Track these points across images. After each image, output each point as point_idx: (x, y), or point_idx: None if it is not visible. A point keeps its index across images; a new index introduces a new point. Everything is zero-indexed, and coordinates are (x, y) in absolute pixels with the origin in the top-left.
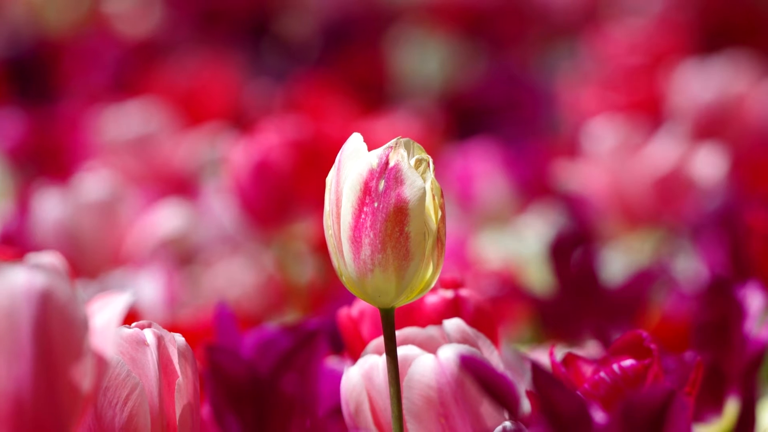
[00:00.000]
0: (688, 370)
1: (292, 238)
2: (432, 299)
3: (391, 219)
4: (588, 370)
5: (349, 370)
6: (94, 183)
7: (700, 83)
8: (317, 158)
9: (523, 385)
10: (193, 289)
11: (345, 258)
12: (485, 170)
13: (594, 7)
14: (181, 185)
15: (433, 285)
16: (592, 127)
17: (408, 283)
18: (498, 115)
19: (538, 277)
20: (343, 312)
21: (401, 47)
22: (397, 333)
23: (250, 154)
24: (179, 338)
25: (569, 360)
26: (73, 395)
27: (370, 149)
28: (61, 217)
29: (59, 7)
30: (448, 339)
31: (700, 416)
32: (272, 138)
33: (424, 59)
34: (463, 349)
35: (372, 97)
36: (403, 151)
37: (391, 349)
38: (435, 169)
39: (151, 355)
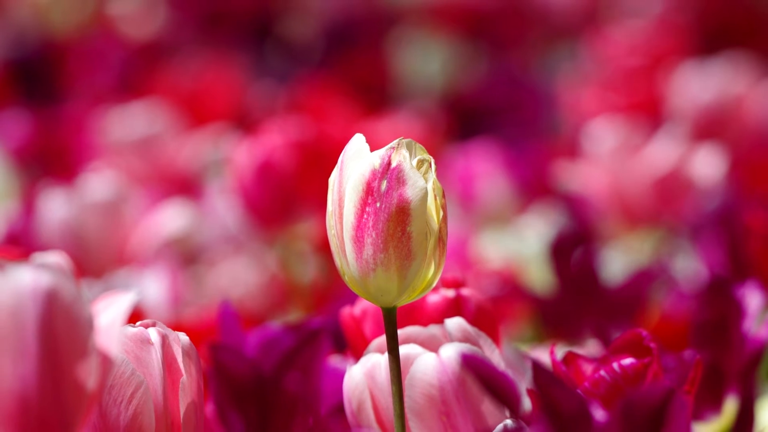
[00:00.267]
0: (687, 369)
1: (295, 238)
2: (434, 298)
3: (393, 219)
4: (588, 368)
5: (352, 369)
6: (99, 183)
7: (700, 84)
8: (320, 159)
9: (524, 384)
10: (197, 288)
11: (347, 257)
12: (486, 171)
13: (594, 8)
14: (185, 185)
15: (434, 284)
16: (592, 128)
17: (410, 282)
18: (499, 116)
19: (539, 276)
20: (346, 311)
21: (403, 49)
22: (399, 332)
23: (253, 154)
24: (183, 337)
25: (570, 359)
26: (78, 393)
27: (372, 150)
28: (67, 217)
29: (64, 9)
30: (449, 338)
31: (699, 414)
32: (275, 139)
33: (426, 61)
34: (465, 347)
35: (374, 99)
36: (405, 152)
37: (393, 348)
38: (437, 170)
39: (156, 354)
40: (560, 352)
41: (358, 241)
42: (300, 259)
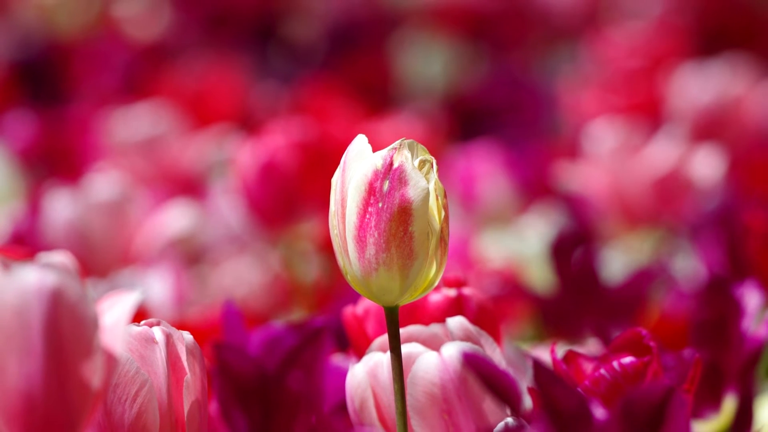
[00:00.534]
0: (686, 367)
1: (298, 238)
2: (435, 298)
3: (395, 219)
4: (588, 367)
5: (354, 367)
6: (103, 183)
7: (699, 86)
8: (323, 159)
9: (524, 382)
10: (200, 287)
11: (350, 257)
12: (488, 171)
13: (594, 10)
14: (189, 186)
15: (436, 284)
16: (592, 129)
17: (412, 281)
18: (500, 117)
19: (540, 276)
20: (348, 310)
21: (405, 50)
22: (401, 331)
23: (256, 155)
24: (187, 336)
25: (570, 357)
26: (83, 392)
27: (374, 150)
28: (72, 217)
29: (70, 10)
30: (451, 337)
31: (698, 412)
32: (278, 139)
33: (428, 62)
34: (466, 346)
35: (376, 100)
36: (407, 153)
37: (395, 347)
38: (438, 170)
39: (160, 353)
40: (561, 350)
41: (361, 240)
42: (303, 259)
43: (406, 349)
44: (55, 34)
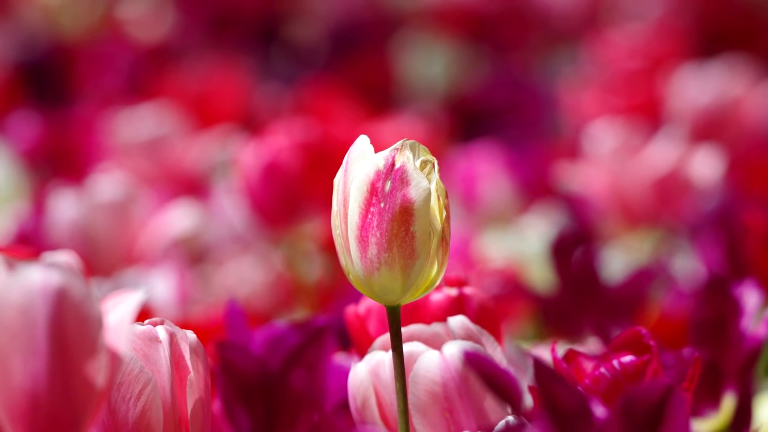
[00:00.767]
0: (686, 366)
1: (301, 238)
2: (437, 297)
3: (397, 219)
4: (588, 366)
5: (357, 366)
6: (108, 184)
7: (698, 87)
8: (325, 160)
9: (525, 381)
10: (204, 287)
11: (352, 257)
12: (489, 171)
13: (595, 12)
14: (192, 186)
15: (437, 283)
16: (592, 130)
17: (413, 281)
18: (501, 118)
19: (540, 275)
20: (351, 309)
21: (407, 52)
22: (403, 330)
23: (259, 155)
24: (191, 335)
25: (570, 356)
26: (87, 390)
27: (376, 151)
28: (76, 217)
29: (74, 12)
30: (452, 336)
31: (697, 411)
32: (281, 140)
33: (430, 63)
34: (467, 345)
35: (378, 101)
36: (408, 153)
37: (397, 346)
38: (440, 170)
39: (164, 352)
40: (561, 349)
41: (363, 240)
42: (305, 259)
43: (407, 348)
44: (60, 36)
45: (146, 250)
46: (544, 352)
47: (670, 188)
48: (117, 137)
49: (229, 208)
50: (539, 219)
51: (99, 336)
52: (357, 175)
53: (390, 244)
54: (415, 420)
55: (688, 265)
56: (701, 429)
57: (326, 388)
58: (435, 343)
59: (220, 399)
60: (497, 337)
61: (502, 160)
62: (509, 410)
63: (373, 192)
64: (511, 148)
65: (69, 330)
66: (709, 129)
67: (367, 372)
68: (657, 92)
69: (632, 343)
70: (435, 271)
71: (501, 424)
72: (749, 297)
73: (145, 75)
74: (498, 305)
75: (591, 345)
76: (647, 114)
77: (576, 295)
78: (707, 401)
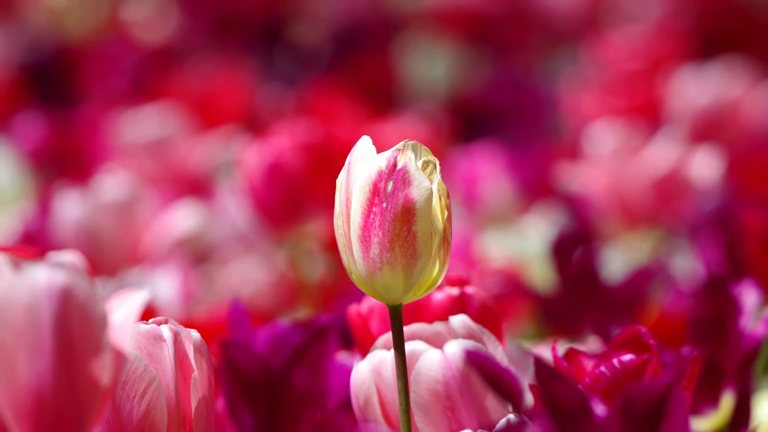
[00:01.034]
0: (685, 365)
1: (304, 238)
2: (438, 296)
3: (399, 219)
4: (589, 364)
5: (359, 365)
6: (112, 184)
7: (698, 88)
8: (328, 160)
9: (526, 379)
10: (208, 286)
11: (354, 256)
12: (490, 172)
13: (595, 14)
14: (196, 186)
15: (439, 282)
16: (592, 130)
17: (415, 280)
18: (502, 119)
19: (541, 275)
20: (353, 308)
21: (409, 53)
22: (405, 329)
23: (262, 156)
24: (195, 334)
25: (571, 355)
26: (92, 389)
27: (378, 152)
28: (81, 217)
29: (79, 14)
30: (454, 335)
31: (697, 409)
32: (284, 141)
33: (431, 65)
34: (469, 344)
35: (380, 102)
36: (410, 154)
37: (399, 345)
38: (441, 171)
39: (168, 350)
40: (561, 348)
41: (365, 240)
42: (308, 258)
43: (409, 346)
44: (65, 37)
45: (150, 249)
46: (545, 351)
47: (670, 188)
48: (121, 138)
49: (233, 208)
50: (540, 219)
51: (104, 335)
52: (359, 176)
53: (392, 243)
54: (417, 418)
55: (688, 265)
56: (700, 427)
57: (329, 386)
58: (437, 342)
59: (224, 397)
60: (498, 336)
61: (503, 160)
62: (510, 408)
63: (376, 192)
64: (512, 149)
65: (74, 329)
66: (708, 130)
67: (369, 371)
68: (657, 93)
69: (632, 342)
70: (437, 270)
71: (502, 422)
72: (748, 296)
73: (149, 76)
74: (499, 304)
75: (591, 344)
76: (647, 115)
77: (576, 295)
78: (706, 400)
